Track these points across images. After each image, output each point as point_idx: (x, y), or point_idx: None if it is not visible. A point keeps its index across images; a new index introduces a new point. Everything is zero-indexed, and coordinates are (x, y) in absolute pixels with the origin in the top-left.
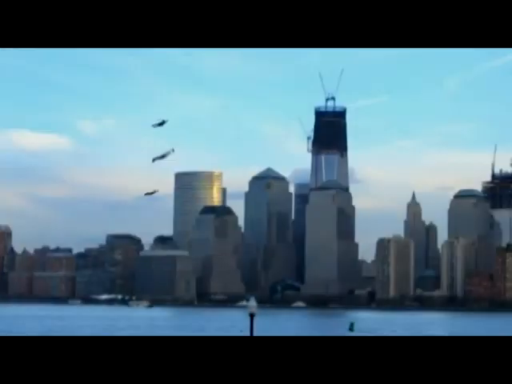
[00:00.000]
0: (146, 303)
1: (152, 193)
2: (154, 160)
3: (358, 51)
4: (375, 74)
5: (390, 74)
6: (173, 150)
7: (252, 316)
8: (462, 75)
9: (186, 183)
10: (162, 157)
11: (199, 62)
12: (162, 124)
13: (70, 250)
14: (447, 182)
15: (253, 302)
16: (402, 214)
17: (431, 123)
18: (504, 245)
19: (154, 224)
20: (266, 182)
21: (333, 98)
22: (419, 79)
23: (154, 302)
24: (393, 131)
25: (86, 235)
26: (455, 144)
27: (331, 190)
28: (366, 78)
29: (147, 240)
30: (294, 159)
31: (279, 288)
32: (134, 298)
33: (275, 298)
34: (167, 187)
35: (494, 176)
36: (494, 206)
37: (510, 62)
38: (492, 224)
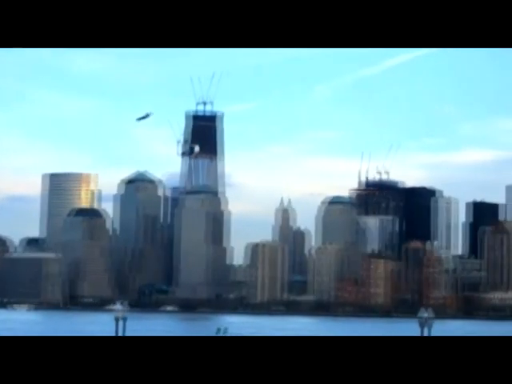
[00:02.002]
0: (27, 307)
1: (144, 117)
2: (138, 119)
3: (236, 56)
4: (251, 79)
5: (265, 80)
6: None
7: (117, 320)
8: (333, 83)
9: (56, 185)
10: (145, 117)
11: (70, 62)
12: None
13: None
14: (316, 189)
15: (119, 306)
16: (273, 219)
17: (303, 130)
18: (370, 251)
19: (21, 226)
20: (136, 185)
21: (204, 103)
22: (293, 85)
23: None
24: (266, 137)
25: None
26: (325, 151)
27: (201, 194)
28: (242, 83)
29: (15, 242)
30: (165, 163)
31: (147, 291)
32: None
33: (144, 301)
34: (35, 189)
35: (360, 183)
36: (360, 213)
37: (381, 72)
38: (359, 230)
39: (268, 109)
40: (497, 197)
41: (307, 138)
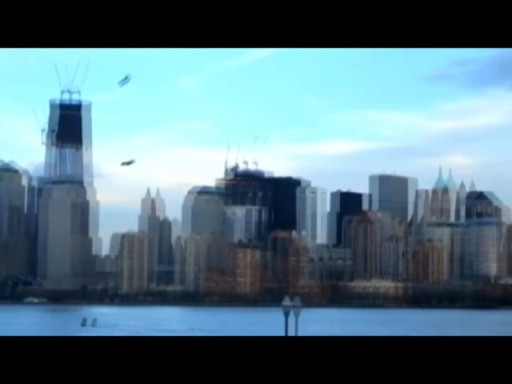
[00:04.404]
0: None
1: (129, 163)
2: (122, 164)
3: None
4: (118, 68)
5: (131, 70)
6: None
7: None
8: (201, 74)
9: None
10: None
11: None
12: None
13: None
14: (184, 179)
15: None
16: (140, 209)
17: (170, 120)
18: (237, 241)
19: None
20: (0, 175)
21: (69, 91)
22: (158, 76)
23: None
24: (134, 127)
25: None
26: (192, 141)
27: (66, 184)
28: (110, 73)
29: None
30: (29, 152)
31: (11, 283)
32: None
33: (6, 293)
34: None
35: (227, 173)
36: (228, 203)
37: (246, 64)
38: (226, 220)
39: (135, 99)
40: (361, 187)
41: (174, 128)
